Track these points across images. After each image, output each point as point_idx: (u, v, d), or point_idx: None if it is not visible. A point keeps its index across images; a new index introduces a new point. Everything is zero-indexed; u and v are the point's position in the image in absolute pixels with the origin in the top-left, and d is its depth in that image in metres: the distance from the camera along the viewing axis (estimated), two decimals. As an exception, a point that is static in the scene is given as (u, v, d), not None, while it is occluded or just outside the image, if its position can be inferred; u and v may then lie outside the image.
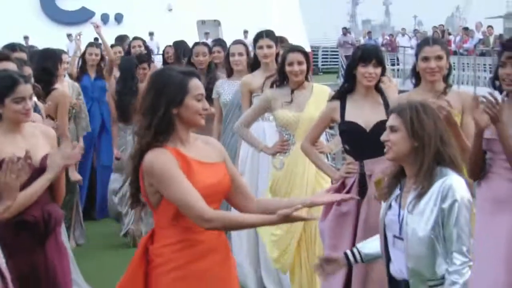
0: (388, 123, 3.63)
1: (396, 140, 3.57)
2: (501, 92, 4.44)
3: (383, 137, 3.63)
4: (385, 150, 3.64)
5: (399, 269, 3.67)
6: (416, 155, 3.54)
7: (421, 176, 3.53)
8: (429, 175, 3.51)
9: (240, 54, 7.38)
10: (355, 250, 3.90)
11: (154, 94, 3.59)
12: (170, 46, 10.31)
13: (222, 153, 3.82)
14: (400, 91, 6.09)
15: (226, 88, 7.42)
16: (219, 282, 3.70)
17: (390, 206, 3.69)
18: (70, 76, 9.91)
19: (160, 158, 3.52)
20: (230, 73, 7.51)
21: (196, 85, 3.64)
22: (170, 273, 3.60)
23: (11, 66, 4.96)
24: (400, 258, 3.64)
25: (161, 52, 10.95)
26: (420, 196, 3.52)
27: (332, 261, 3.89)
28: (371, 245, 3.90)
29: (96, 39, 12.25)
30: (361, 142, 5.06)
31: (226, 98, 7.36)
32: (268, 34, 6.87)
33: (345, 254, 3.90)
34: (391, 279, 3.79)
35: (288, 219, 3.48)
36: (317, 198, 3.90)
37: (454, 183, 3.50)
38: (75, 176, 7.05)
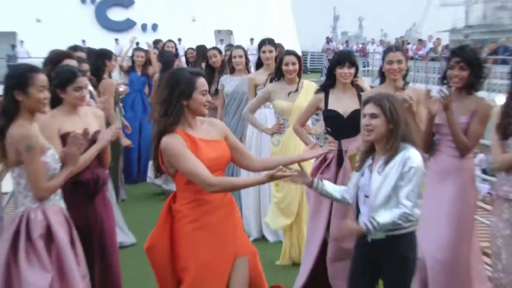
0: (369, 111, 3.62)
1: (377, 124, 3.58)
2: (449, 87, 4.43)
3: (365, 122, 3.62)
4: (365, 132, 3.64)
5: (366, 220, 3.66)
6: (391, 135, 3.57)
7: (392, 150, 3.57)
8: (396, 149, 3.56)
9: (240, 57, 7.47)
10: (320, 182, 3.89)
11: (169, 89, 3.63)
12: (191, 48, 10.27)
13: (223, 131, 3.85)
14: (370, 87, 6.06)
15: (228, 82, 7.49)
16: (226, 231, 3.73)
17: (363, 173, 3.70)
18: (121, 67, 10.12)
19: (172, 141, 3.57)
20: (232, 70, 7.56)
21: (202, 82, 3.67)
22: (188, 225, 3.66)
23: (72, 62, 4.95)
24: (367, 213, 3.66)
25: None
26: (386, 162, 3.56)
27: (302, 175, 3.87)
28: (332, 188, 3.89)
29: (137, 43, 12.25)
30: (339, 126, 5.04)
31: (228, 89, 7.43)
32: (270, 41, 6.85)
33: (312, 180, 3.90)
34: None
35: (273, 177, 3.58)
36: (304, 155, 3.95)
37: (412, 155, 3.56)
38: (126, 141, 7.05)
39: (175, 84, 3.64)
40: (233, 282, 3.73)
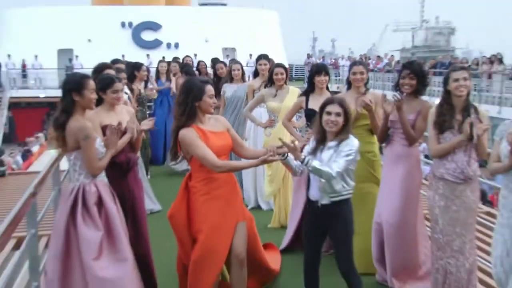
0: (335, 110, 3.61)
1: (340, 120, 3.60)
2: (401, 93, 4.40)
3: (332, 119, 3.61)
4: (332, 126, 3.62)
5: (314, 192, 3.68)
6: (343, 128, 3.62)
7: (343, 138, 3.60)
8: (347, 137, 3.61)
9: (238, 70, 7.49)
10: (288, 155, 3.70)
11: (184, 94, 3.64)
12: (202, 61, 10.25)
13: (226, 125, 3.84)
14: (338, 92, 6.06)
15: (228, 89, 7.50)
16: (229, 202, 3.72)
17: (316, 156, 3.67)
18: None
19: (188, 134, 3.57)
20: (231, 79, 7.56)
21: (209, 88, 3.67)
22: (201, 197, 3.65)
23: (111, 71, 4.91)
24: (315, 186, 3.67)
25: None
26: (338, 145, 3.60)
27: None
28: (292, 161, 3.72)
29: (163, 57, 12.16)
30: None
31: (228, 94, 7.46)
32: (265, 56, 6.87)
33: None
34: (309, 201, 3.79)
35: (264, 161, 3.57)
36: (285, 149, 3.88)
37: (354, 141, 3.63)
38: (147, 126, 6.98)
39: (189, 90, 3.65)
40: (235, 240, 3.72)
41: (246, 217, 3.86)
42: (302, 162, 3.52)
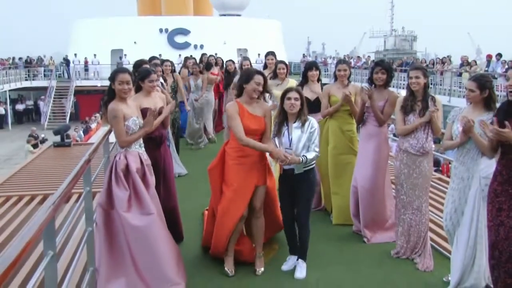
0: (294, 96, 3.55)
1: (298, 104, 3.53)
2: (372, 85, 4.29)
3: (293, 103, 3.54)
4: (292, 108, 3.53)
5: (288, 165, 3.59)
6: (300, 111, 3.54)
7: (304, 118, 3.53)
8: (306, 118, 3.54)
9: (247, 64, 7.33)
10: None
11: (239, 79, 3.69)
12: (219, 57, 10.07)
13: (266, 112, 3.69)
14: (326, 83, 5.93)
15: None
16: (253, 169, 3.64)
17: (283, 135, 3.58)
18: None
19: (230, 107, 3.57)
20: None
21: (257, 77, 3.60)
22: (230, 161, 3.65)
23: (147, 66, 4.81)
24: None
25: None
26: (303, 125, 3.53)
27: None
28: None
29: (191, 55, 11.90)
30: (309, 106, 4.87)
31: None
32: (272, 53, 6.74)
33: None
34: (284, 171, 3.67)
35: (274, 151, 3.50)
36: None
37: (313, 121, 3.56)
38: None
39: (242, 74, 3.70)
40: (254, 200, 3.70)
41: (265, 182, 3.76)
42: (301, 162, 3.45)
